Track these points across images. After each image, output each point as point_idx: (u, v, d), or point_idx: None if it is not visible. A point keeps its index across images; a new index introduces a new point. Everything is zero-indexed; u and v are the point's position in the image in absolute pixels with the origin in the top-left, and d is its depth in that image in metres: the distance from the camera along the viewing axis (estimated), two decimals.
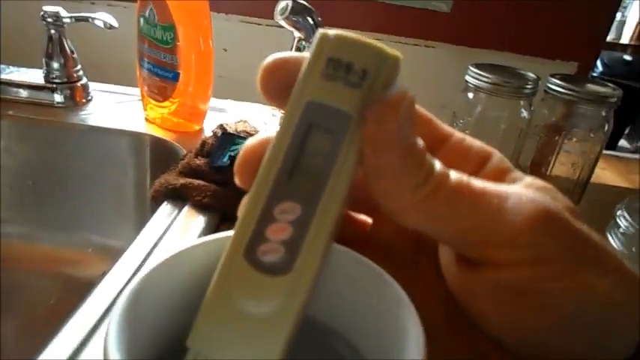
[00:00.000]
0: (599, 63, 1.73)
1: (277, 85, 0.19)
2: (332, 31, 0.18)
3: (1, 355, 0.53)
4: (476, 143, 0.21)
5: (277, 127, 0.18)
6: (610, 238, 0.38)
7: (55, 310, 0.61)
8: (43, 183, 0.66)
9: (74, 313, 0.36)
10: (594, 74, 1.70)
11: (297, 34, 0.58)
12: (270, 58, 0.19)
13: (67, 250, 0.66)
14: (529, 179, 0.20)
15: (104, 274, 0.41)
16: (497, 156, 0.21)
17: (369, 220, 0.24)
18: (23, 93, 0.67)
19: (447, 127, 0.22)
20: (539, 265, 0.17)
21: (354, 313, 0.21)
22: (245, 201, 0.19)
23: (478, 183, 0.18)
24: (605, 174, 0.80)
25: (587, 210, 0.65)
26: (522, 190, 0.18)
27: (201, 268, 0.21)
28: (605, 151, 0.84)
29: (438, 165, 0.18)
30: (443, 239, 0.20)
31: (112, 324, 0.17)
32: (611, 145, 1.62)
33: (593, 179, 0.73)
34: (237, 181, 0.20)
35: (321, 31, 0.18)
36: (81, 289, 0.63)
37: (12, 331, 0.58)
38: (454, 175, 0.18)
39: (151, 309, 0.19)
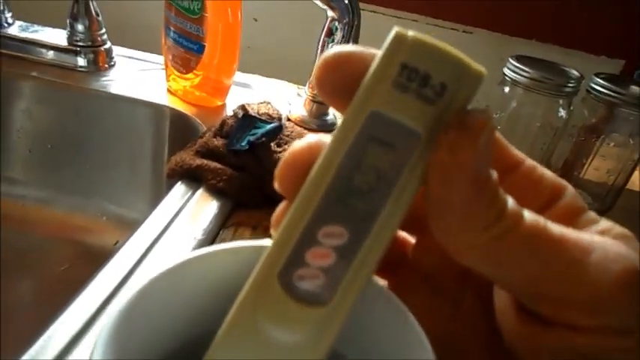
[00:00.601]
0: None
1: (337, 84, 0.16)
2: (410, 33, 0.15)
3: (20, 314, 0.54)
4: (548, 174, 0.19)
5: (332, 135, 0.16)
6: None
7: (67, 276, 0.60)
8: (61, 147, 0.66)
9: (83, 289, 0.36)
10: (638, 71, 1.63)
11: (330, 13, 0.55)
12: (333, 52, 0.16)
13: (82, 216, 0.66)
14: (606, 223, 0.18)
15: (117, 243, 0.40)
16: (570, 192, 0.19)
17: (411, 239, 0.21)
18: (46, 54, 0.65)
19: (517, 152, 0.19)
20: (626, 336, 0.15)
21: (370, 348, 0.19)
22: (279, 211, 0.17)
23: (556, 227, 0.16)
24: (635, 174, 0.75)
25: (616, 218, 0.62)
26: (607, 242, 0.16)
27: (207, 280, 0.19)
28: None
29: (511, 202, 0.16)
30: (508, 287, 0.17)
31: (103, 336, 0.16)
32: None
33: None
34: (276, 186, 0.17)
35: (396, 29, 0.15)
36: (93, 257, 0.63)
37: (29, 293, 0.58)
38: (529, 215, 0.16)
39: (147, 320, 0.18)
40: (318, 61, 0.16)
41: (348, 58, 0.16)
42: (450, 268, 0.20)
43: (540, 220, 0.16)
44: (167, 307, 0.19)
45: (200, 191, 0.46)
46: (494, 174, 0.16)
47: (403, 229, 0.21)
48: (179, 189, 0.46)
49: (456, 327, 0.19)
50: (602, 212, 0.63)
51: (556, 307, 0.16)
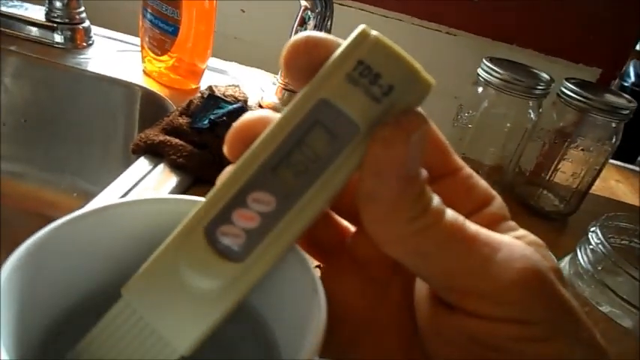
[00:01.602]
0: (632, 73, 1.67)
1: (301, 65, 0.17)
2: (373, 33, 0.16)
3: None
4: (482, 183, 0.20)
5: (282, 113, 0.17)
6: (579, 253, 0.36)
7: None
8: (35, 122, 0.66)
9: None
10: (625, 84, 1.64)
11: (303, 2, 0.56)
12: (303, 35, 0.17)
13: (52, 191, 0.66)
14: (522, 231, 0.19)
15: None
16: (498, 202, 0.20)
17: (351, 227, 0.22)
18: (24, 29, 0.66)
19: (458, 160, 0.20)
20: (519, 326, 0.16)
21: (276, 297, 0.20)
22: (223, 172, 0.19)
23: (472, 227, 0.17)
24: (619, 187, 0.76)
25: (580, 221, 0.63)
26: (515, 242, 0.17)
27: (133, 226, 0.20)
28: (624, 164, 0.81)
29: (436, 200, 0.17)
30: (424, 277, 0.19)
31: (8, 264, 0.17)
32: (632, 158, 1.57)
33: (604, 192, 0.70)
34: (225, 150, 0.19)
35: (363, 27, 0.16)
36: None
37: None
38: (450, 213, 0.17)
39: (60, 256, 0.19)
40: (289, 41, 0.17)
41: (315, 43, 0.17)
42: (383, 259, 0.21)
43: (460, 218, 0.17)
44: (83, 249, 0.20)
45: (161, 166, 0.47)
46: (424, 172, 0.17)
47: (345, 217, 0.22)
48: (142, 162, 0.47)
49: (379, 312, 0.20)
50: (568, 214, 0.64)
51: (463, 297, 0.17)
